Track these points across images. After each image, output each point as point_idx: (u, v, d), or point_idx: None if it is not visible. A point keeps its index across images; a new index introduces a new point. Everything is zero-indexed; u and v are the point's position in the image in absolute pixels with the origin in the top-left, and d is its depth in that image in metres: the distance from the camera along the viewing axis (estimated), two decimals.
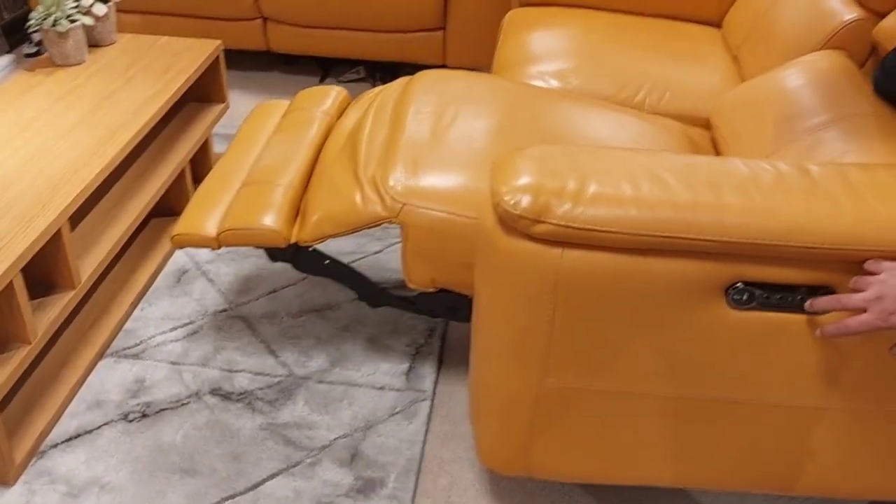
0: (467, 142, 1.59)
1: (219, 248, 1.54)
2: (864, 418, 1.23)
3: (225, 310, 1.90)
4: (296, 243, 1.52)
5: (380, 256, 2.07)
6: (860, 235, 1.09)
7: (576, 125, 1.73)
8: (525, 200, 1.13)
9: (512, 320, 1.23)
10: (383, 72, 2.93)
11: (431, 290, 1.51)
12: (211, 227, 1.55)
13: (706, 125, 1.95)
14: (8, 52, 2.93)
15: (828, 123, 1.61)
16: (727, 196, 1.13)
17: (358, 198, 1.47)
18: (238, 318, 1.88)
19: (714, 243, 1.12)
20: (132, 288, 1.92)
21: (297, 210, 1.58)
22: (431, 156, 1.53)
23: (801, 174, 1.18)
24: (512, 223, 1.15)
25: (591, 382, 1.25)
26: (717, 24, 2.41)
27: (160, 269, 2.01)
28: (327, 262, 1.58)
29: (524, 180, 1.16)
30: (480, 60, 2.72)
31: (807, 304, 1.12)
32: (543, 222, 1.13)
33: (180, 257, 2.06)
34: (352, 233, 1.47)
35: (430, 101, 1.69)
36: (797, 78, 1.78)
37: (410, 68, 2.93)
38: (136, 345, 1.80)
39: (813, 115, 1.65)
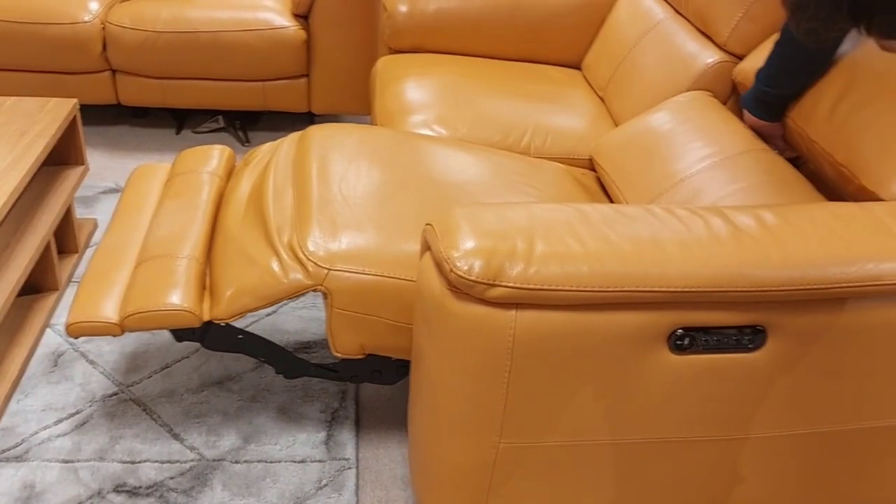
0: (375, 198, 1.54)
1: (122, 333, 1.39)
2: (786, 443, 1.30)
3: (115, 393, 1.73)
4: (209, 321, 1.40)
5: (274, 318, 1.97)
6: (787, 278, 1.14)
7: (473, 174, 1.72)
8: (478, 265, 1.10)
9: (464, 385, 1.19)
10: (244, 120, 2.81)
11: (360, 356, 1.44)
12: (110, 312, 1.40)
13: (589, 166, 2.01)
14: None
15: (712, 162, 1.70)
16: (668, 247, 1.16)
17: (276, 266, 1.38)
18: (131, 401, 1.71)
19: (660, 294, 1.14)
20: (3, 379, 1.71)
21: (203, 284, 1.46)
22: (346, 215, 1.47)
23: (725, 222, 1.22)
24: (465, 289, 1.12)
25: (543, 438, 1.24)
26: (577, 66, 2.50)
27: (32, 354, 1.80)
28: (241, 336, 1.47)
29: (472, 244, 1.13)
30: (347, 107, 2.67)
31: None
32: (498, 286, 1.10)
33: (52, 338, 1.86)
34: (273, 304, 1.38)
35: (331, 158, 1.62)
36: (673, 119, 1.86)
37: (272, 116, 2.84)
38: (18, 444, 1.59)
39: (695, 154, 1.73)
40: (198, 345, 1.72)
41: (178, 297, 1.39)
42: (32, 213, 1.91)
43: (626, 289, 1.12)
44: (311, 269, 1.37)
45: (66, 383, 1.74)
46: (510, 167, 1.80)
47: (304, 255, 1.38)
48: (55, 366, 1.79)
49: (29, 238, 1.83)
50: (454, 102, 2.09)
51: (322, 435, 1.67)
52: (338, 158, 1.64)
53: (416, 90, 2.13)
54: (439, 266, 1.14)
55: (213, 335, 1.46)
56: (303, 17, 2.54)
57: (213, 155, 1.78)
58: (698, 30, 2.04)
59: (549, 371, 1.18)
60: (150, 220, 1.61)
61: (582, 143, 2.03)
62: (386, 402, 1.76)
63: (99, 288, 1.45)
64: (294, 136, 1.75)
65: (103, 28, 2.48)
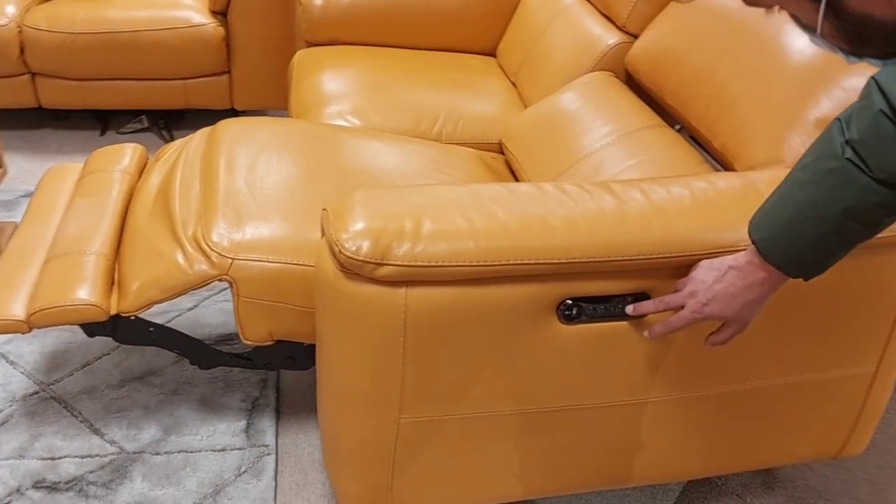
0: (284, 189, 1.55)
1: (29, 331, 1.39)
2: (684, 405, 1.34)
3: (36, 392, 1.71)
4: (117, 315, 1.40)
5: (196, 312, 1.96)
6: (666, 245, 1.18)
7: (384, 161, 1.74)
8: (366, 245, 1.12)
9: (362, 364, 1.21)
10: (167, 119, 2.79)
11: (268, 343, 1.45)
12: (17, 309, 1.39)
13: (499, 150, 2.04)
14: None
15: (611, 139, 1.74)
16: (551, 220, 1.19)
17: (181, 258, 1.38)
18: (52, 399, 1.70)
19: (546, 266, 1.17)
20: None
21: (112, 279, 1.46)
22: (251, 207, 1.48)
23: (611, 195, 1.25)
24: (355, 269, 1.14)
25: (445, 411, 1.26)
26: (492, 54, 2.53)
27: None
28: (152, 329, 1.47)
29: (361, 225, 1.15)
30: (269, 102, 2.66)
31: (628, 308, 1.21)
32: (386, 264, 1.12)
33: None
34: (178, 296, 1.39)
35: (239, 152, 1.63)
36: (576, 99, 1.90)
37: (196, 114, 2.81)
38: None
39: (596, 133, 1.78)
40: (119, 343, 1.71)
41: (84, 293, 1.39)
42: None
43: (511, 261, 1.15)
44: (215, 259, 1.38)
45: None
46: (421, 153, 1.82)
47: (208, 246, 1.39)
48: None
49: None
50: (368, 93, 2.10)
51: (242, 423, 1.67)
52: (247, 151, 1.64)
53: (330, 82, 2.14)
54: (331, 248, 1.16)
55: (123, 329, 1.46)
56: (221, 13, 2.52)
57: (125, 153, 1.77)
58: (601, 12, 2.08)
59: (443, 346, 1.20)
60: (61, 218, 1.60)
61: (492, 128, 2.06)
62: (306, 389, 1.77)
63: (7, 287, 1.44)
64: (205, 131, 1.75)
65: (20, 31, 2.44)
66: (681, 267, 1.21)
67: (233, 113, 2.76)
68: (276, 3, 2.51)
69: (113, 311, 1.40)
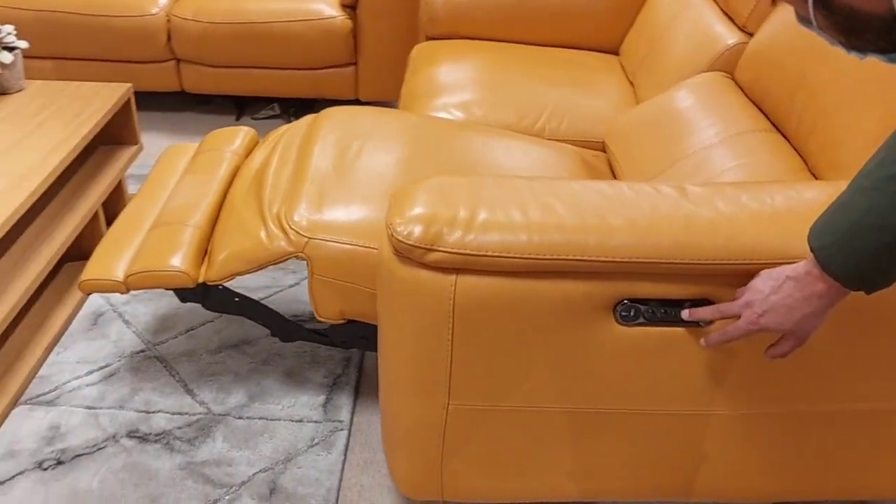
0: (372, 175, 1.60)
1: (127, 291, 1.51)
2: (750, 422, 1.27)
3: (142, 351, 1.86)
4: (204, 283, 1.50)
5: (296, 290, 2.06)
6: (732, 251, 1.13)
7: (478, 154, 1.75)
8: (417, 230, 1.14)
9: (413, 347, 1.23)
10: (298, 108, 2.93)
11: (340, 321, 1.50)
12: (119, 271, 1.52)
13: (603, 148, 2.00)
14: None
15: (715, 141, 1.67)
16: (611, 218, 1.16)
17: (263, 234, 1.46)
18: (155, 358, 1.84)
19: (600, 263, 1.14)
20: (46, 333, 1.87)
21: (204, 250, 1.56)
22: (336, 190, 1.53)
23: (680, 195, 1.21)
24: (406, 253, 1.16)
25: (494, 403, 1.26)
26: (615, 52, 2.48)
27: (75, 313, 1.96)
28: (237, 299, 1.56)
29: (417, 210, 1.17)
30: (392, 94, 2.74)
31: (685, 313, 1.16)
32: (435, 250, 1.14)
33: (96, 300, 2.01)
34: (259, 269, 1.46)
35: (336, 137, 1.69)
36: (684, 99, 1.84)
37: (324, 104, 2.93)
38: (51, 391, 1.75)
39: (701, 134, 1.71)
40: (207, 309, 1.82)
41: (177, 260, 1.49)
42: (85, 186, 2.07)
43: (563, 257, 1.14)
44: (293, 237, 1.44)
45: (102, 340, 1.89)
46: (517, 148, 1.82)
47: (288, 224, 1.45)
48: (94, 324, 1.94)
49: (78, 208, 1.99)
50: (477, 87, 2.12)
51: (322, 398, 1.74)
52: (344, 137, 1.70)
53: (442, 75, 2.17)
54: (386, 231, 1.19)
55: (211, 297, 1.55)
56: (350, 7, 2.62)
57: (237, 136, 1.88)
58: (723, 11, 2.00)
59: (491, 336, 1.20)
60: (170, 191, 1.73)
61: (597, 126, 2.02)
62: None
63: (113, 250, 1.57)
64: (310, 117, 1.83)
65: (168, 20, 2.64)
66: (745, 275, 1.14)
67: (357, 103, 2.86)
68: None
69: (200, 280, 1.50)
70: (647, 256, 1.13)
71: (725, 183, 1.34)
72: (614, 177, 1.88)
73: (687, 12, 2.11)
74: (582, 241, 1.14)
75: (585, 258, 1.14)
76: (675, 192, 1.22)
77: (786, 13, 1.71)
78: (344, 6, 2.62)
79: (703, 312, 1.15)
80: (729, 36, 1.90)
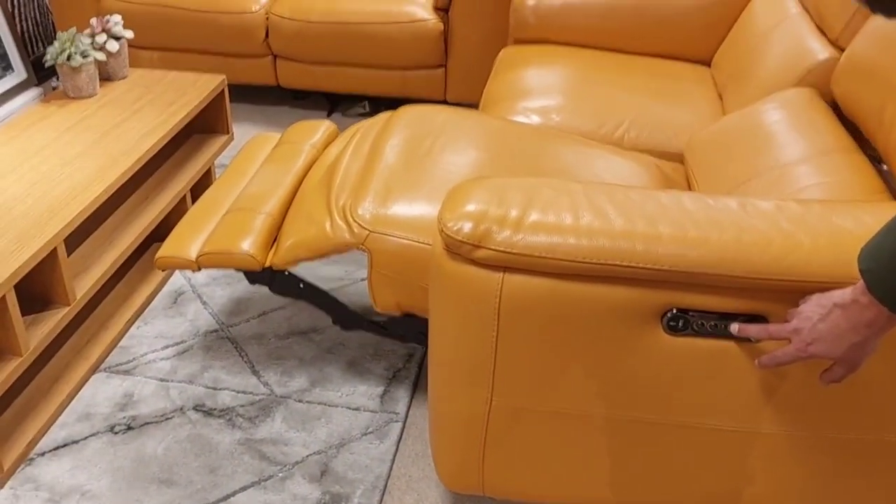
0: (440, 173, 1.64)
1: (198, 270, 1.61)
2: (800, 444, 1.25)
3: (216, 330, 1.96)
4: (270, 267, 1.58)
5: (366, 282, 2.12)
6: (784, 268, 1.11)
7: (549, 159, 1.77)
8: (467, 226, 1.18)
9: (460, 341, 1.27)
10: (388, 106, 3.01)
11: (397, 314, 1.55)
12: (192, 251, 1.62)
13: (682, 160, 1.98)
14: (36, 84, 3.07)
15: (797, 159, 1.64)
16: (661, 227, 1.17)
17: (328, 225, 1.53)
18: (227, 338, 1.94)
19: (648, 271, 1.15)
20: (129, 307, 2.00)
21: (274, 236, 1.64)
22: (403, 186, 1.59)
23: (740, 208, 1.21)
24: (455, 249, 1.20)
25: (536, 403, 1.28)
26: (708, 63, 2.45)
27: (158, 291, 2.09)
28: (301, 285, 1.63)
29: (469, 207, 1.20)
30: (479, 96, 2.78)
31: (734, 328, 1.15)
32: (483, 248, 1.17)
33: (178, 279, 2.14)
34: (322, 258, 1.53)
35: (409, 134, 1.75)
36: (769, 114, 1.81)
37: (413, 103, 3.01)
38: (129, 361, 1.87)
39: (783, 151, 1.68)
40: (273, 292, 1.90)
41: (246, 244, 1.58)
42: (176, 170, 2.20)
43: (609, 262, 1.15)
44: (355, 229, 1.50)
45: (179, 318, 2.00)
46: (590, 155, 1.83)
47: (352, 217, 1.52)
48: (174, 303, 2.06)
49: (168, 191, 2.12)
50: (559, 92, 2.14)
51: (380, 389, 1.80)
52: (417, 135, 1.76)
53: (524, 79, 2.20)
54: (437, 226, 1.23)
55: (278, 281, 1.63)
56: (443, 10, 2.69)
57: (318, 129, 1.97)
58: (817, 25, 1.95)
59: (536, 335, 1.22)
60: (249, 179, 1.82)
61: (678, 137, 2.01)
62: None
63: (190, 231, 1.67)
64: (386, 114, 1.89)
65: (267, 18, 2.77)
66: (798, 293, 1.13)
67: (445, 104, 2.92)
68: (493, 2, 2.62)
69: (267, 264, 1.58)
70: (695, 267, 1.13)
71: (793, 200, 1.32)
72: (691, 189, 1.86)
73: (782, 26, 2.07)
74: (629, 247, 1.15)
75: (632, 265, 1.15)
76: (737, 205, 1.22)
77: (877, 26, 1.66)
78: (437, 9, 2.68)
79: (752, 330, 1.14)
80: (821, 51, 1.86)
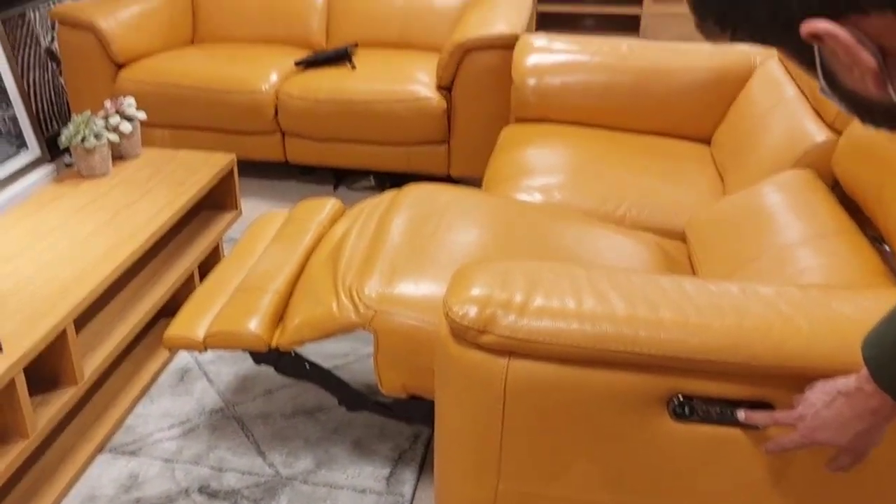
0: (446, 253, 1.67)
1: (205, 350, 1.62)
2: None
3: (221, 409, 1.97)
4: (276, 347, 1.59)
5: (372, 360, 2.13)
6: (784, 354, 1.13)
7: (553, 238, 1.80)
8: (472, 311, 1.20)
9: (466, 426, 1.27)
10: (393, 180, 3.06)
11: (403, 396, 1.56)
12: (200, 331, 1.64)
13: (684, 239, 2.01)
14: (49, 161, 3.14)
15: (797, 240, 1.66)
16: (663, 312, 1.19)
17: (334, 305, 1.55)
18: (233, 417, 1.94)
19: (651, 357, 1.16)
20: (136, 385, 2.01)
21: (281, 315, 1.66)
22: (409, 265, 1.61)
23: (741, 293, 1.22)
24: (461, 333, 1.21)
25: (543, 489, 1.28)
26: (707, 142, 2.50)
27: (164, 368, 2.10)
28: (307, 366, 1.64)
29: (474, 291, 1.22)
30: (482, 171, 2.83)
31: (741, 415, 1.16)
32: (489, 333, 1.19)
33: (184, 356, 2.15)
34: (328, 338, 1.55)
35: (414, 213, 1.78)
36: (769, 196, 1.84)
37: (418, 178, 3.06)
38: (134, 441, 1.87)
39: (783, 232, 1.71)
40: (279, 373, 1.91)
41: (253, 324, 1.60)
42: (185, 247, 2.24)
43: (612, 348, 1.17)
44: (361, 309, 1.52)
45: (186, 396, 2.01)
46: (592, 234, 1.86)
47: (358, 296, 1.54)
48: (181, 380, 2.07)
49: (176, 268, 2.15)
50: (560, 171, 2.18)
51: (386, 471, 1.79)
52: (422, 214, 1.79)
53: (526, 157, 2.25)
54: (443, 310, 1.25)
55: (283, 362, 1.65)
56: (446, 89, 2.76)
57: (325, 206, 2.00)
58: (812, 107, 2.00)
59: (542, 422, 1.23)
60: (257, 257, 1.85)
61: (680, 216, 2.04)
62: None
63: (198, 310, 1.69)
64: (392, 192, 1.93)
65: (276, 97, 2.85)
66: (801, 379, 1.14)
67: (449, 179, 2.98)
68: (495, 81, 2.69)
69: (273, 344, 1.59)
70: (697, 353, 1.15)
71: (793, 285, 1.34)
72: (693, 268, 1.88)
73: (779, 107, 2.12)
74: (632, 333, 1.16)
75: (635, 351, 1.16)
76: (737, 290, 1.24)
77: None
78: (440, 88, 2.76)
79: (758, 417, 1.15)
80: (818, 133, 1.90)
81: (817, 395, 1.07)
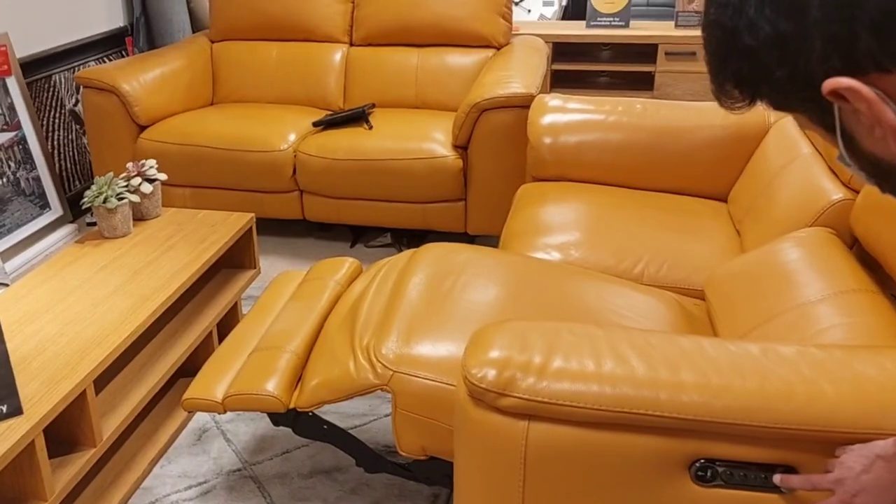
0: (464, 312, 1.67)
1: (224, 412, 1.62)
2: None
3: (239, 469, 1.96)
4: (294, 408, 1.59)
5: (390, 420, 2.12)
6: (809, 417, 1.12)
7: (572, 297, 1.80)
8: (491, 374, 1.20)
9: (485, 489, 1.26)
10: (409, 237, 3.09)
11: (422, 457, 1.55)
12: (219, 392, 1.64)
13: (703, 296, 2.00)
14: (71, 221, 3.19)
15: (816, 298, 1.66)
16: (684, 374, 1.18)
17: (352, 365, 1.55)
18: (250, 478, 1.93)
19: (672, 420, 1.16)
20: (154, 446, 2.00)
21: (299, 375, 1.66)
22: (426, 325, 1.62)
23: (762, 355, 1.22)
24: (480, 396, 1.21)
25: None
26: (724, 199, 2.51)
27: (183, 427, 2.10)
28: (325, 427, 1.64)
29: (493, 354, 1.23)
30: (499, 229, 2.85)
31: (777, 478, 1.14)
32: (508, 395, 1.19)
33: (202, 416, 2.15)
34: (346, 399, 1.54)
35: (432, 273, 1.79)
36: (788, 253, 1.84)
37: (435, 235, 3.09)
38: (152, 503, 1.86)
39: (802, 290, 1.70)
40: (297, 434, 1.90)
41: (271, 385, 1.60)
42: (204, 306, 2.25)
43: (633, 411, 1.16)
44: (379, 370, 1.52)
45: (203, 456, 2.00)
46: (612, 291, 1.86)
47: (376, 357, 1.54)
48: (199, 440, 2.06)
49: (195, 327, 2.16)
50: (577, 228, 2.19)
51: None
52: (439, 273, 1.80)
53: (543, 215, 2.26)
54: (461, 372, 1.25)
55: (301, 423, 1.64)
56: (462, 147, 2.79)
57: (342, 266, 2.02)
58: (829, 167, 2.01)
59: (564, 486, 1.22)
60: (275, 317, 1.86)
61: (698, 273, 2.04)
62: None
63: (217, 371, 1.70)
64: (410, 252, 1.95)
65: (294, 156, 2.89)
66: (827, 443, 1.13)
67: (466, 236, 3.00)
68: (510, 140, 2.73)
69: (291, 405, 1.59)
70: (719, 417, 1.14)
71: (814, 345, 1.33)
72: (712, 326, 1.88)
73: (795, 164, 2.14)
74: (653, 396, 1.16)
75: (656, 414, 1.15)
76: (758, 351, 1.23)
77: None
78: (456, 146, 2.79)
79: (795, 481, 1.13)
80: (834, 192, 1.90)
81: (855, 459, 1.06)
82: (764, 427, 1.13)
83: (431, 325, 1.62)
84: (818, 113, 0.65)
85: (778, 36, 0.61)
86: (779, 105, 0.66)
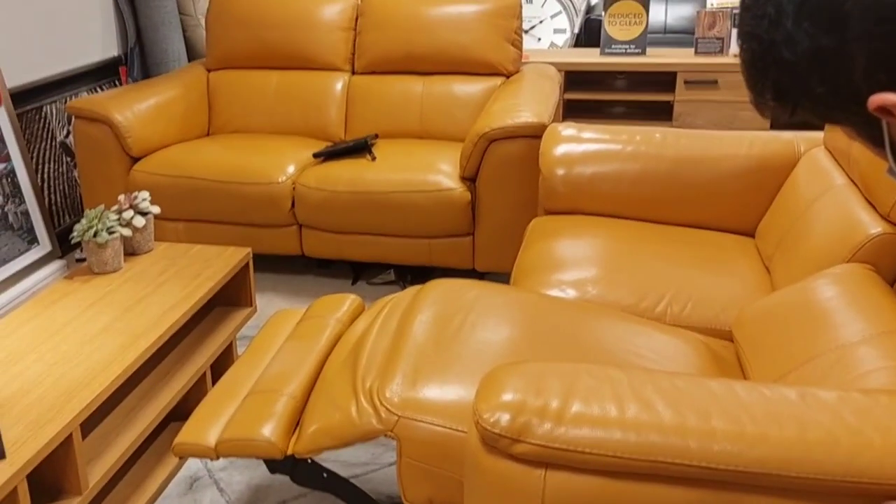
0: (473, 353, 1.63)
1: (217, 458, 1.58)
2: None
3: None
4: (292, 455, 1.55)
5: (395, 468, 2.07)
6: (855, 469, 1.07)
7: (588, 338, 1.76)
8: (504, 419, 1.16)
9: None
10: (414, 274, 3.05)
11: None
12: (212, 437, 1.60)
13: (731, 337, 1.96)
14: (60, 257, 3.17)
15: (858, 339, 1.61)
16: (715, 421, 1.14)
17: (354, 410, 1.50)
18: None
19: (703, 470, 1.11)
20: (143, 494, 1.95)
21: (297, 420, 1.62)
22: (433, 367, 1.57)
23: (800, 400, 1.17)
24: (492, 442, 1.17)
25: None
26: (751, 234, 2.47)
27: (173, 475, 2.05)
28: (325, 475, 1.59)
29: (507, 397, 1.18)
30: (509, 265, 2.82)
31: None
32: (523, 442, 1.14)
33: (195, 463, 2.10)
34: (347, 446, 1.50)
35: (438, 311, 1.75)
36: (824, 291, 1.79)
37: (440, 271, 3.06)
38: None
39: (841, 330, 1.65)
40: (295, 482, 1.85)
41: (267, 430, 1.55)
42: (197, 345, 2.22)
43: (660, 459, 1.12)
44: (383, 414, 1.48)
45: None
46: (633, 332, 1.82)
47: (380, 401, 1.50)
48: (190, 489, 2.01)
49: (187, 368, 2.12)
50: (593, 264, 2.16)
51: None
52: (447, 311, 1.76)
53: (557, 250, 2.23)
54: (472, 417, 1.21)
55: (300, 470, 1.59)
56: (470, 179, 2.77)
57: (343, 303, 1.98)
58: (865, 198, 1.98)
59: None
60: (271, 358, 1.82)
61: (726, 313, 1.99)
62: None
63: (210, 415, 1.65)
64: (414, 288, 1.91)
65: (293, 188, 2.88)
66: (876, 496, 1.08)
67: (474, 273, 2.96)
68: (521, 171, 2.71)
69: (288, 452, 1.55)
70: (755, 467, 1.09)
71: (857, 390, 1.28)
72: (742, 370, 1.83)
73: (828, 196, 2.10)
74: (682, 444, 1.11)
75: (686, 463, 1.11)
76: (796, 396, 1.19)
77: None
78: (463, 178, 2.77)
79: None
80: (872, 225, 1.87)
81: None
82: (805, 478, 1.08)
83: (439, 367, 1.58)
84: (865, 127, 0.65)
85: (817, 51, 0.62)
86: (822, 118, 0.67)
